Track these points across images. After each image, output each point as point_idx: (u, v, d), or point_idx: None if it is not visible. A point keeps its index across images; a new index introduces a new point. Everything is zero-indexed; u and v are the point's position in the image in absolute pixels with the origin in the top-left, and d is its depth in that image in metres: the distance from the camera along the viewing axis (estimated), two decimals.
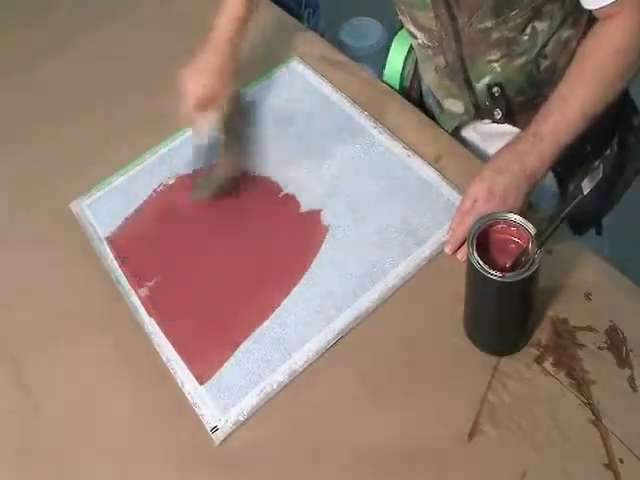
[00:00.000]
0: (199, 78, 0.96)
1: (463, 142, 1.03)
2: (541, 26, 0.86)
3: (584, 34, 0.84)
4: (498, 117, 0.95)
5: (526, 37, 0.87)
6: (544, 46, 0.89)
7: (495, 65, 0.91)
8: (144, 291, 0.89)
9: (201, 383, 0.80)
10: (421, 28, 0.93)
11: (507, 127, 0.96)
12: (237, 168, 0.97)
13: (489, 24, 0.86)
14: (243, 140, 1.01)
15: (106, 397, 0.82)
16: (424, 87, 1.08)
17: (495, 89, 0.92)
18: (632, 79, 0.80)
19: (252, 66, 1.12)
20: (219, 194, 0.95)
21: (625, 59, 0.78)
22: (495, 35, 0.87)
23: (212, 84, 0.96)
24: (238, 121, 1.01)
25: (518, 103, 0.94)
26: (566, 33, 0.89)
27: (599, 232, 1.02)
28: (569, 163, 0.88)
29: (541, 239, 0.68)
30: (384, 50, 1.12)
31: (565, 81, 0.81)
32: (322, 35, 1.21)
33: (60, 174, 1.04)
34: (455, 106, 0.99)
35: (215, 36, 0.99)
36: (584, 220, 0.98)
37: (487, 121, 0.98)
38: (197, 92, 0.95)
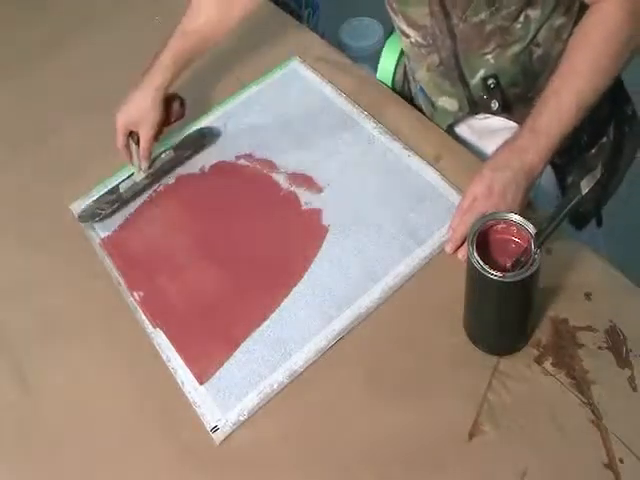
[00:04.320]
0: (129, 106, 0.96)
1: (457, 140, 1.03)
2: (534, 14, 0.87)
3: (576, 23, 0.85)
4: (495, 108, 0.94)
5: (519, 25, 0.87)
6: (536, 34, 0.89)
7: (489, 57, 0.91)
8: (142, 292, 0.89)
9: (201, 383, 0.80)
10: (414, 25, 0.93)
11: (501, 122, 0.96)
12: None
13: (483, 16, 0.86)
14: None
15: (106, 397, 0.82)
16: (414, 88, 1.08)
17: (490, 81, 0.93)
18: (624, 65, 0.80)
19: (252, 66, 1.12)
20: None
21: (616, 44, 0.78)
22: (489, 27, 0.87)
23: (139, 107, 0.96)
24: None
25: (513, 94, 0.94)
26: (558, 21, 0.89)
27: (599, 224, 1.02)
28: (566, 153, 0.88)
29: (541, 239, 0.68)
30: None
31: (558, 73, 0.81)
32: (322, 35, 1.21)
33: (60, 175, 1.04)
34: (448, 104, 0.99)
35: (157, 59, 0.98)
36: (584, 213, 0.98)
37: (481, 116, 0.98)
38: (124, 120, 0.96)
